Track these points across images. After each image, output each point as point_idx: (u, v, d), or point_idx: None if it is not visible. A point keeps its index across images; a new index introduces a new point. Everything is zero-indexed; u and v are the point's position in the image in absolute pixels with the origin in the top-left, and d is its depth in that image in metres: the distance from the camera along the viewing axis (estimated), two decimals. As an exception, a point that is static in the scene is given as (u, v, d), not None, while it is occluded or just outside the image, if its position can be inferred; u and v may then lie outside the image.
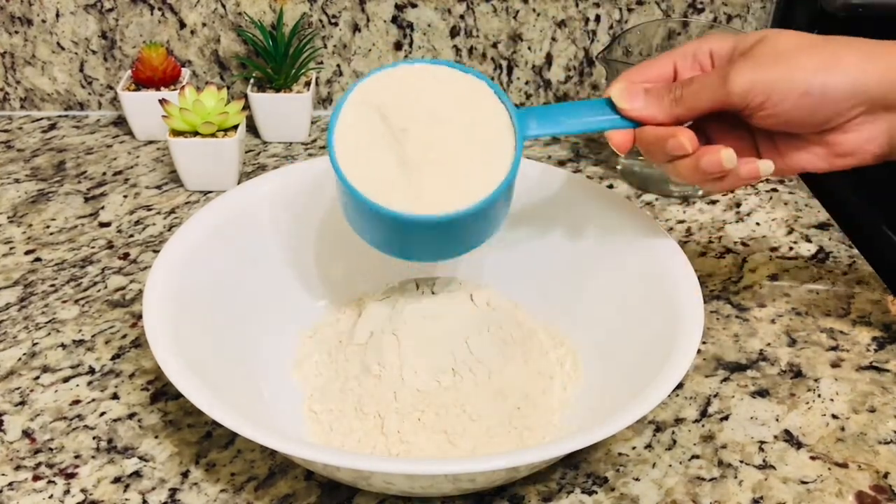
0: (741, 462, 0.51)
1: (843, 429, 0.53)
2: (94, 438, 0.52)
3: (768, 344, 0.59)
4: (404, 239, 0.49)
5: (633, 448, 0.51)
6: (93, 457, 0.50)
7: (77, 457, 0.50)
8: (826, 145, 0.48)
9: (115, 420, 0.53)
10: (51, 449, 0.51)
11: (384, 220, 0.46)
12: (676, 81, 0.49)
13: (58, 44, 0.83)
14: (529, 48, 0.86)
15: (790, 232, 0.71)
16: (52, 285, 0.64)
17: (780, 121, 0.47)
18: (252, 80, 0.83)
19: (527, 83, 0.88)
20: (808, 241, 0.70)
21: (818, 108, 0.46)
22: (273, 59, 0.80)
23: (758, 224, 0.72)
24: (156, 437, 0.52)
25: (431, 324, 0.52)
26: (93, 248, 0.68)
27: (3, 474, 0.49)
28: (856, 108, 0.46)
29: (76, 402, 0.54)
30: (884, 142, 0.47)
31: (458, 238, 0.49)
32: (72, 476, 0.49)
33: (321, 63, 0.86)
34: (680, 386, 0.56)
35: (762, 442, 0.52)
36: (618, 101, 0.49)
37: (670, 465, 0.50)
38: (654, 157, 0.49)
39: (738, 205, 0.75)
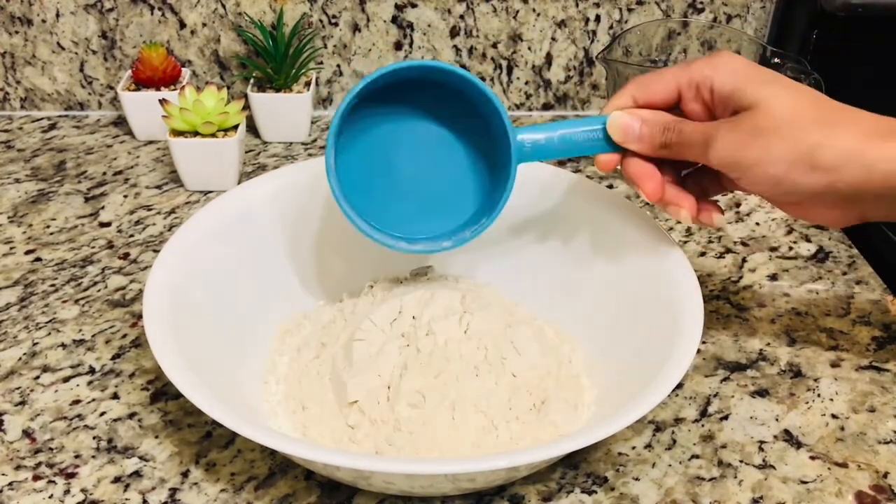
0: (741, 462, 0.51)
1: (842, 428, 0.53)
2: (94, 438, 0.52)
3: (768, 344, 0.60)
4: None
5: (633, 448, 0.51)
6: (93, 456, 0.50)
7: (77, 456, 0.50)
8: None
9: (115, 420, 0.53)
10: (51, 449, 0.51)
11: None
12: (670, 125, 0.49)
13: (58, 44, 0.83)
14: (529, 48, 0.86)
15: (790, 232, 0.71)
16: (53, 285, 0.64)
17: (753, 190, 0.48)
18: (252, 80, 0.83)
19: (527, 83, 0.88)
20: (808, 240, 0.70)
21: (788, 194, 0.47)
22: (273, 59, 0.80)
23: (757, 224, 0.72)
24: (156, 436, 0.52)
25: (440, 325, 0.52)
26: (93, 247, 0.68)
27: (3, 474, 0.49)
28: (826, 200, 0.47)
29: (76, 401, 0.54)
30: (853, 218, 0.48)
31: None
32: (72, 476, 0.49)
33: (321, 63, 0.86)
34: (680, 386, 0.56)
35: (762, 442, 0.52)
36: (613, 134, 0.50)
37: (670, 465, 0.50)
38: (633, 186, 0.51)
39: (738, 205, 0.75)
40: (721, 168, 0.48)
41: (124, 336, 0.59)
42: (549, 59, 0.86)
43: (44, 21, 0.82)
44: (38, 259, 0.67)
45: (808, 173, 0.45)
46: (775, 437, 0.52)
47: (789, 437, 0.52)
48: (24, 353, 0.58)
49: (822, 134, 0.45)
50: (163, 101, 0.73)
